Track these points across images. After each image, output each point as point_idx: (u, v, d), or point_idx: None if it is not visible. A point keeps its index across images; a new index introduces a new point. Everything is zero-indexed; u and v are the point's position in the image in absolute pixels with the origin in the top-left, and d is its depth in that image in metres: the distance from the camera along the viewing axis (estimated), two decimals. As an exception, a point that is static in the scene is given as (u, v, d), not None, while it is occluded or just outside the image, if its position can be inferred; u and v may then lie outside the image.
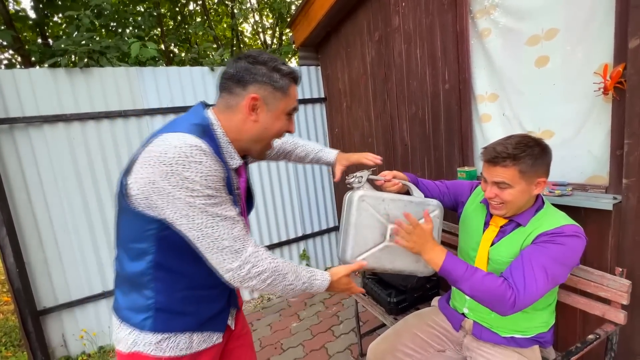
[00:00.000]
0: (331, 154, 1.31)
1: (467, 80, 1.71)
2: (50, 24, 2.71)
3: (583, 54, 1.28)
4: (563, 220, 0.99)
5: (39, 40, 2.90)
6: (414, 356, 1.25)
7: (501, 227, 1.09)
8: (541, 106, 1.46)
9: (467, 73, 1.71)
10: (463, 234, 1.26)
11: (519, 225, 1.05)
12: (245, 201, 0.93)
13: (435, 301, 1.44)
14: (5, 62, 3.06)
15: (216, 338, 0.87)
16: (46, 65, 2.11)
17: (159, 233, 0.73)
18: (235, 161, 0.81)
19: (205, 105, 0.82)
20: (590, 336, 1.05)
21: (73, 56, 2.10)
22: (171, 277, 0.78)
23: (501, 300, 0.90)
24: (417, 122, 2.01)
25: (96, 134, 2.28)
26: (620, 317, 1.05)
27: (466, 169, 1.66)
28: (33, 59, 2.80)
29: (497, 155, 0.97)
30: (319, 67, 3.06)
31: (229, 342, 0.97)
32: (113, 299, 0.86)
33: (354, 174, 1.12)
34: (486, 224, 1.14)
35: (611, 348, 1.09)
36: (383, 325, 2.10)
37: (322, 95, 3.09)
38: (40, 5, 2.63)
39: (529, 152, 0.95)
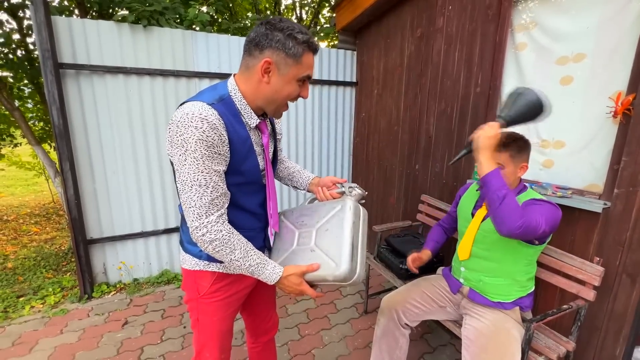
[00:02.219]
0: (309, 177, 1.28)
1: (497, 86, 1.92)
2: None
3: (603, 79, 1.49)
4: (541, 197, 1.31)
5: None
6: (419, 307, 1.55)
7: None
8: (558, 119, 1.69)
9: (498, 80, 1.91)
10: (459, 217, 1.57)
11: None
12: (270, 155, 1.02)
13: (439, 270, 1.73)
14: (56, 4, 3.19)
15: None
16: (114, 19, 2.28)
17: None
18: (253, 120, 0.90)
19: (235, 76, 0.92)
20: (565, 306, 1.34)
21: (135, 14, 2.27)
22: None
23: (515, 217, 1.12)
24: (444, 118, 2.22)
25: (150, 89, 2.49)
26: (590, 295, 1.34)
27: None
28: (88, 5, 2.93)
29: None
30: (355, 52, 3.22)
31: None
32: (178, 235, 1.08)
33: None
34: (478, 205, 1.47)
35: (579, 319, 1.39)
36: (387, 290, 2.41)
37: (354, 80, 3.27)
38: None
39: (516, 143, 1.32)
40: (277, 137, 1.13)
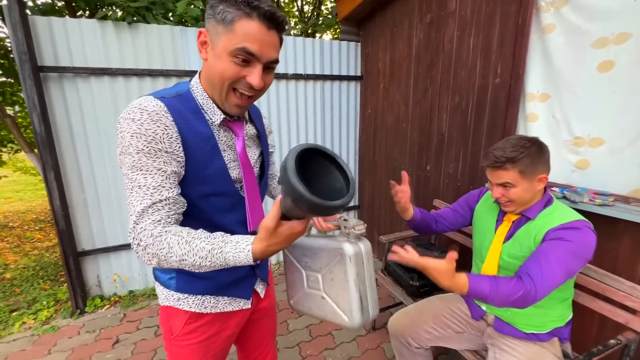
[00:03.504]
0: None
1: (520, 76, 1.67)
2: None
3: (654, 64, 1.24)
4: (573, 215, 1.05)
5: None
6: (432, 333, 1.35)
7: (513, 221, 1.17)
8: (596, 113, 1.44)
9: (521, 69, 1.66)
10: (476, 234, 1.33)
11: (528, 219, 1.12)
12: (252, 163, 0.85)
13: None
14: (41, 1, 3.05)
15: (243, 303, 0.91)
16: (96, 17, 2.12)
17: None
18: (217, 117, 0.75)
19: None
20: (612, 341, 1.11)
21: (120, 11, 2.11)
22: None
23: (524, 299, 0.95)
24: (459, 113, 1.99)
25: (138, 90, 2.33)
26: (643, 326, 1.10)
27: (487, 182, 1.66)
28: (76, 4, 2.79)
29: (497, 160, 1.05)
30: (359, 44, 2.99)
31: (254, 312, 1.00)
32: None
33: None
34: (499, 221, 1.22)
35: (627, 354, 1.15)
36: (397, 305, 2.21)
37: (359, 74, 3.04)
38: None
39: (526, 153, 1.03)
40: (270, 150, 0.98)
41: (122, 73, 2.24)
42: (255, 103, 0.94)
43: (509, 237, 1.17)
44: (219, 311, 0.87)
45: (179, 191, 0.71)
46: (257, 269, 0.94)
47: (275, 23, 0.67)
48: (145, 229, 0.65)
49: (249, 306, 0.93)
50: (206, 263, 0.64)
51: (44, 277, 2.94)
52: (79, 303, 2.32)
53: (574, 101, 1.51)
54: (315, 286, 0.96)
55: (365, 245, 0.90)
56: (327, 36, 4.49)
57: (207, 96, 0.75)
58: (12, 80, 2.99)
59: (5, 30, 2.93)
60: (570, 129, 1.54)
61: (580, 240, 0.99)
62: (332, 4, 4.85)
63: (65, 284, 2.80)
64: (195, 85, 0.75)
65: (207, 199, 0.76)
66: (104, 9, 2.14)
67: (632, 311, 1.14)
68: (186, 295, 0.83)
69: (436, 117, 2.17)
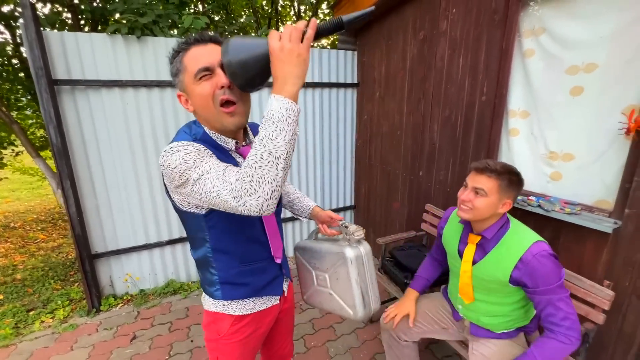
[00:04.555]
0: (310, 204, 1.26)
1: (503, 94, 1.85)
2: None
3: (615, 92, 1.42)
4: (528, 240, 1.17)
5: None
6: (420, 327, 1.54)
7: (477, 244, 1.29)
8: (568, 131, 1.63)
9: (504, 88, 1.84)
10: (447, 252, 1.48)
11: (486, 239, 1.25)
12: None
13: (442, 289, 1.70)
14: (47, 12, 3.11)
15: (274, 300, 1.06)
16: (107, 32, 2.22)
17: (208, 223, 0.87)
18: (230, 143, 0.88)
19: None
20: (573, 330, 1.32)
21: (127, 26, 2.21)
22: (227, 257, 0.93)
23: (572, 349, 1.12)
24: (449, 126, 2.17)
25: (147, 101, 2.44)
26: (600, 318, 1.31)
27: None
28: (82, 16, 2.86)
29: (487, 166, 1.19)
30: (356, 53, 3.13)
31: (280, 312, 1.12)
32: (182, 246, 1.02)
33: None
34: (463, 242, 1.35)
35: (587, 341, 1.37)
36: (392, 299, 2.41)
37: (356, 81, 3.19)
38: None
39: (509, 176, 1.18)
40: None
41: (132, 85, 2.35)
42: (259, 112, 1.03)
43: (477, 260, 1.29)
44: (257, 311, 1.01)
45: None
46: (283, 269, 1.08)
47: (206, 39, 0.81)
48: (231, 181, 0.70)
49: (279, 302, 1.07)
50: (272, 137, 0.66)
51: (54, 278, 3.06)
52: (94, 302, 2.47)
53: (550, 120, 1.70)
54: (324, 284, 1.14)
55: (365, 248, 1.09)
56: (324, 41, 4.61)
57: (214, 132, 0.86)
58: (20, 87, 3.05)
59: (7, 35, 2.99)
60: (546, 144, 1.73)
61: (555, 271, 1.13)
62: (328, 10, 4.95)
63: (77, 284, 2.94)
64: (205, 128, 0.87)
65: (236, 218, 0.89)
66: (113, 22, 2.23)
67: (592, 305, 1.35)
68: (230, 301, 0.98)
69: (428, 128, 2.35)
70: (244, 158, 0.92)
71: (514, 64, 1.81)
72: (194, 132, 0.86)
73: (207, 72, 0.78)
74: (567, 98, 1.61)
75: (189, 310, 2.51)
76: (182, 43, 0.81)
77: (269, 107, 0.68)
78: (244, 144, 0.93)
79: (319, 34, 0.71)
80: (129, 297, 2.66)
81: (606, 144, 1.48)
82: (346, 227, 1.09)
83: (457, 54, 2.04)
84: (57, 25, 2.98)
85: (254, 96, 2.66)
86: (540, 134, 1.76)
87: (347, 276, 1.04)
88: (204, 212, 0.86)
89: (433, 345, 2.09)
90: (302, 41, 0.68)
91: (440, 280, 1.97)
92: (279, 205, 1.10)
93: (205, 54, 0.79)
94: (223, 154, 0.86)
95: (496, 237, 1.24)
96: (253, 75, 0.73)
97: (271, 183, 0.67)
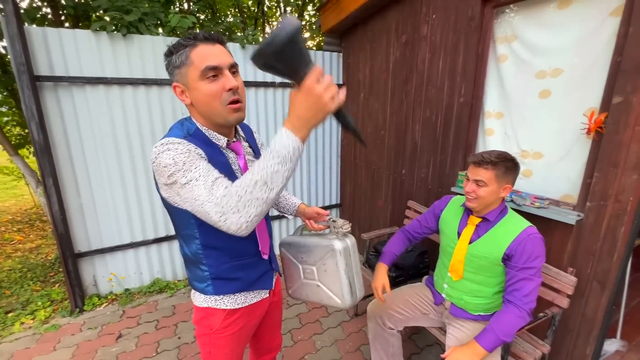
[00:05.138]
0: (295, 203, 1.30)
1: (479, 96, 1.97)
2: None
3: (578, 96, 1.55)
4: (523, 224, 1.33)
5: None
6: (403, 314, 1.63)
7: (477, 224, 1.42)
8: (537, 131, 1.75)
9: (480, 90, 1.96)
10: (443, 232, 1.59)
11: (488, 221, 1.39)
12: None
13: (424, 279, 1.80)
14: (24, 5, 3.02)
15: (264, 294, 1.09)
16: (92, 29, 2.20)
17: (197, 220, 0.87)
18: (222, 141, 0.91)
19: None
20: (541, 314, 1.44)
21: (114, 25, 2.20)
22: (217, 253, 0.95)
23: (523, 322, 1.25)
24: (429, 126, 2.27)
25: (132, 99, 2.43)
26: (564, 302, 1.44)
27: (465, 176, 1.97)
28: (63, 11, 2.79)
29: (483, 159, 1.32)
30: (341, 54, 3.21)
31: (268, 305, 1.16)
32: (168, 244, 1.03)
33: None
34: (463, 223, 1.48)
35: (553, 324, 1.49)
36: (376, 293, 2.49)
37: (341, 82, 3.27)
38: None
39: (504, 163, 1.31)
40: None
41: (117, 82, 2.34)
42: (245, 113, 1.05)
43: (473, 239, 1.42)
44: (248, 304, 1.04)
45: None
46: (272, 263, 1.11)
47: (214, 39, 0.84)
48: (219, 196, 0.71)
49: (268, 295, 1.11)
50: (270, 170, 0.68)
51: (34, 279, 2.98)
52: (77, 302, 2.43)
53: (522, 120, 1.82)
54: (311, 277, 1.19)
55: (351, 241, 1.16)
56: (309, 43, 4.67)
57: (207, 129, 0.89)
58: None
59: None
60: (518, 143, 1.86)
61: (536, 253, 1.27)
62: (314, 12, 5.02)
63: (58, 285, 2.87)
64: (198, 124, 0.89)
65: None
66: (96, 19, 2.21)
67: (557, 291, 1.47)
68: (222, 296, 1.00)
69: (410, 128, 2.45)
70: (235, 153, 0.96)
71: (489, 68, 1.93)
72: (186, 128, 0.88)
73: (215, 71, 0.81)
74: (537, 100, 1.73)
75: (175, 308, 2.51)
76: (190, 37, 0.82)
77: (279, 139, 0.68)
78: (234, 139, 0.98)
79: (337, 111, 0.72)
80: (113, 297, 2.63)
81: (571, 143, 1.61)
82: (334, 221, 1.15)
83: (437, 57, 2.15)
84: (35, 21, 2.91)
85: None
86: (513, 134, 1.88)
87: (335, 267, 1.09)
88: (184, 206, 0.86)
89: (415, 335, 2.19)
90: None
91: (423, 273, 2.07)
92: None
93: (214, 54, 0.82)
94: (214, 151, 0.89)
95: (495, 220, 1.38)
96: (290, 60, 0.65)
97: (257, 208, 0.70)
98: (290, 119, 0.69)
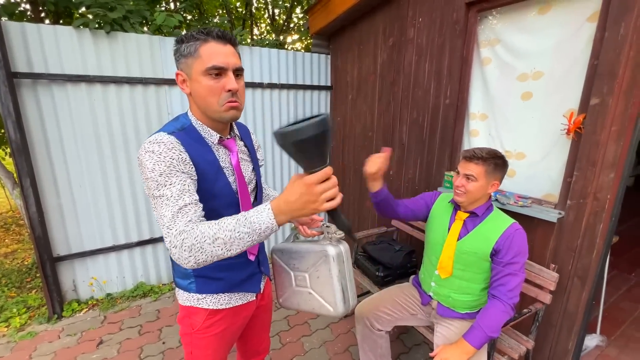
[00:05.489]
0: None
1: (465, 98, 2.01)
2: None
3: (558, 98, 1.61)
4: (509, 220, 1.38)
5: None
6: (391, 315, 1.63)
7: (464, 220, 1.46)
8: (520, 132, 1.80)
9: (465, 92, 2.01)
10: (431, 229, 1.60)
11: (476, 216, 1.43)
12: (240, 173, 0.97)
13: (411, 279, 1.81)
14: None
15: (250, 297, 1.07)
16: (73, 26, 2.14)
17: None
18: (214, 137, 0.91)
19: None
20: (525, 310, 1.47)
21: (97, 23, 2.14)
22: None
23: (508, 317, 1.28)
24: (416, 127, 2.30)
25: (116, 98, 2.37)
26: (547, 298, 1.47)
27: (452, 173, 2.00)
28: (44, 8, 2.71)
29: (474, 155, 1.37)
30: (329, 56, 3.22)
31: (256, 308, 1.14)
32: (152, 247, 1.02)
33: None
34: (453, 219, 1.51)
35: (537, 319, 1.53)
36: (365, 294, 2.50)
37: (329, 84, 3.28)
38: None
39: (494, 160, 1.35)
40: (260, 164, 1.14)
41: (100, 80, 2.28)
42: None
43: (462, 235, 1.44)
44: (232, 306, 1.02)
45: (198, 198, 0.83)
46: (261, 266, 1.10)
47: (227, 39, 0.85)
48: (179, 230, 0.73)
49: (255, 298, 1.09)
50: (236, 235, 0.70)
51: (8, 285, 2.85)
52: (55, 308, 2.33)
53: (505, 122, 1.87)
54: (303, 284, 1.15)
55: (344, 247, 1.12)
56: (298, 45, 4.68)
57: (201, 124, 0.90)
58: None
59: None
60: (502, 143, 1.90)
61: (520, 247, 1.31)
62: (302, 14, 5.04)
63: (34, 290, 2.75)
64: (193, 119, 0.91)
65: (216, 211, 0.91)
66: (78, 16, 2.16)
67: (540, 287, 1.51)
68: (205, 295, 0.98)
69: (398, 129, 2.48)
70: (228, 149, 0.96)
71: (474, 71, 1.98)
72: (181, 123, 0.89)
73: (219, 70, 0.83)
74: (519, 102, 1.78)
75: (160, 312, 2.44)
76: (204, 32, 0.83)
77: (259, 212, 0.72)
78: (228, 136, 0.97)
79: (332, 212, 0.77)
80: (94, 302, 2.54)
81: (552, 143, 1.66)
82: (327, 226, 1.11)
83: (424, 60, 2.18)
84: (14, 16, 2.81)
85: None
86: (497, 135, 1.93)
87: (328, 273, 1.05)
88: None
89: (403, 335, 2.20)
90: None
91: (410, 272, 2.09)
92: (255, 201, 1.10)
93: (223, 53, 0.83)
94: (204, 147, 0.89)
95: (483, 216, 1.42)
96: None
97: (207, 258, 0.72)
98: (279, 200, 0.72)
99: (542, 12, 1.63)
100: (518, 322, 1.43)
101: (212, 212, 0.91)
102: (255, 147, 1.14)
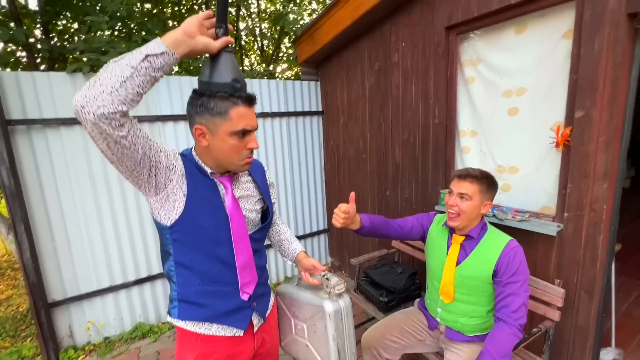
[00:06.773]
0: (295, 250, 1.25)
1: (453, 117, 2.05)
2: (56, 22, 2.71)
3: (543, 112, 1.64)
4: (505, 238, 1.36)
5: (38, 34, 2.88)
6: (398, 343, 1.57)
7: (461, 243, 1.42)
8: (510, 147, 1.82)
9: (453, 111, 2.04)
10: (430, 254, 1.56)
11: (472, 239, 1.39)
12: (232, 211, 0.97)
13: (417, 302, 1.76)
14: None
15: (236, 331, 1.00)
16: (67, 72, 2.20)
17: (172, 235, 0.91)
18: (206, 168, 0.95)
19: None
20: (535, 329, 1.42)
21: (89, 67, 2.20)
22: (188, 272, 0.94)
23: (516, 339, 1.24)
24: (408, 147, 2.33)
25: (110, 137, 2.39)
26: (556, 315, 1.43)
27: (447, 190, 2.00)
28: (39, 54, 2.79)
29: (468, 173, 1.36)
30: (319, 83, 3.30)
31: (255, 356, 1.08)
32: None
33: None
34: (449, 244, 1.46)
35: (548, 338, 1.48)
36: (370, 320, 2.43)
37: (320, 109, 3.34)
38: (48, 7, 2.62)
39: (487, 180, 1.35)
40: (272, 200, 1.16)
41: (94, 121, 2.30)
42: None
43: (461, 260, 1.40)
44: (211, 334, 0.97)
45: (153, 143, 0.82)
46: (252, 300, 1.02)
47: (252, 102, 0.90)
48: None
49: (242, 334, 1.01)
50: (132, 56, 0.69)
51: (3, 334, 2.75)
52: (51, 357, 2.24)
53: (495, 137, 1.90)
54: (301, 335, 1.10)
55: (344, 303, 1.04)
56: (287, 73, 4.81)
57: (202, 163, 0.94)
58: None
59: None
60: (494, 158, 1.92)
61: (520, 266, 1.29)
62: (291, 44, 5.23)
63: (29, 339, 2.66)
64: (193, 154, 0.96)
65: (204, 230, 0.92)
66: (72, 61, 2.22)
67: (547, 304, 1.47)
68: (186, 322, 0.97)
69: (390, 149, 2.50)
70: (223, 184, 0.98)
71: (459, 90, 2.02)
72: (183, 151, 0.98)
73: (247, 131, 0.89)
74: (506, 118, 1.81)
75: (160, 354, 2.35)
76: (236, 96, 0.85)
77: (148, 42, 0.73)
78: (221, 171, 0.97)
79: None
80: (91, 347, 2.44)
81: (542, 156, 1.68)
82: (327, 279, 1.06)
83: (410, 82, 2.24)
84: (9, 65, 2.89)
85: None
86: (488, 151, 1.94)
87: (324, 331, 1.01)
88: (169, 224, 0.90)
89: (413, 361, 2.11)
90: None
91: (415, 295, 2.04)
92: (260, 238, 1.09)
93: (251, 117, 0.90)
94: (201, 173, 0.94)
95: (478, 237, 1.39)
96: None
97: (105, 77, 0.67)
98: (166, 36, 0.74)
99: (519, 32, 1.69)
100: (529, 343, 1.38)
101: (195, 233, 0.93)
102: (268, 184, 1.14)
